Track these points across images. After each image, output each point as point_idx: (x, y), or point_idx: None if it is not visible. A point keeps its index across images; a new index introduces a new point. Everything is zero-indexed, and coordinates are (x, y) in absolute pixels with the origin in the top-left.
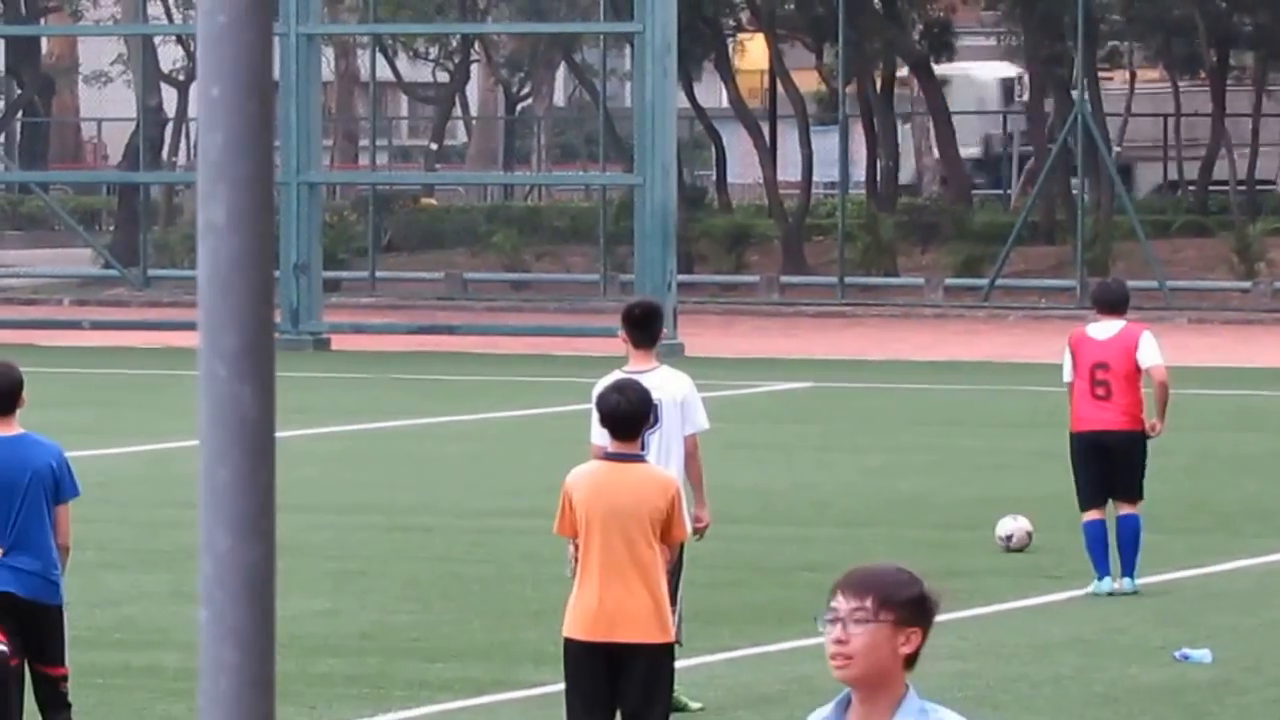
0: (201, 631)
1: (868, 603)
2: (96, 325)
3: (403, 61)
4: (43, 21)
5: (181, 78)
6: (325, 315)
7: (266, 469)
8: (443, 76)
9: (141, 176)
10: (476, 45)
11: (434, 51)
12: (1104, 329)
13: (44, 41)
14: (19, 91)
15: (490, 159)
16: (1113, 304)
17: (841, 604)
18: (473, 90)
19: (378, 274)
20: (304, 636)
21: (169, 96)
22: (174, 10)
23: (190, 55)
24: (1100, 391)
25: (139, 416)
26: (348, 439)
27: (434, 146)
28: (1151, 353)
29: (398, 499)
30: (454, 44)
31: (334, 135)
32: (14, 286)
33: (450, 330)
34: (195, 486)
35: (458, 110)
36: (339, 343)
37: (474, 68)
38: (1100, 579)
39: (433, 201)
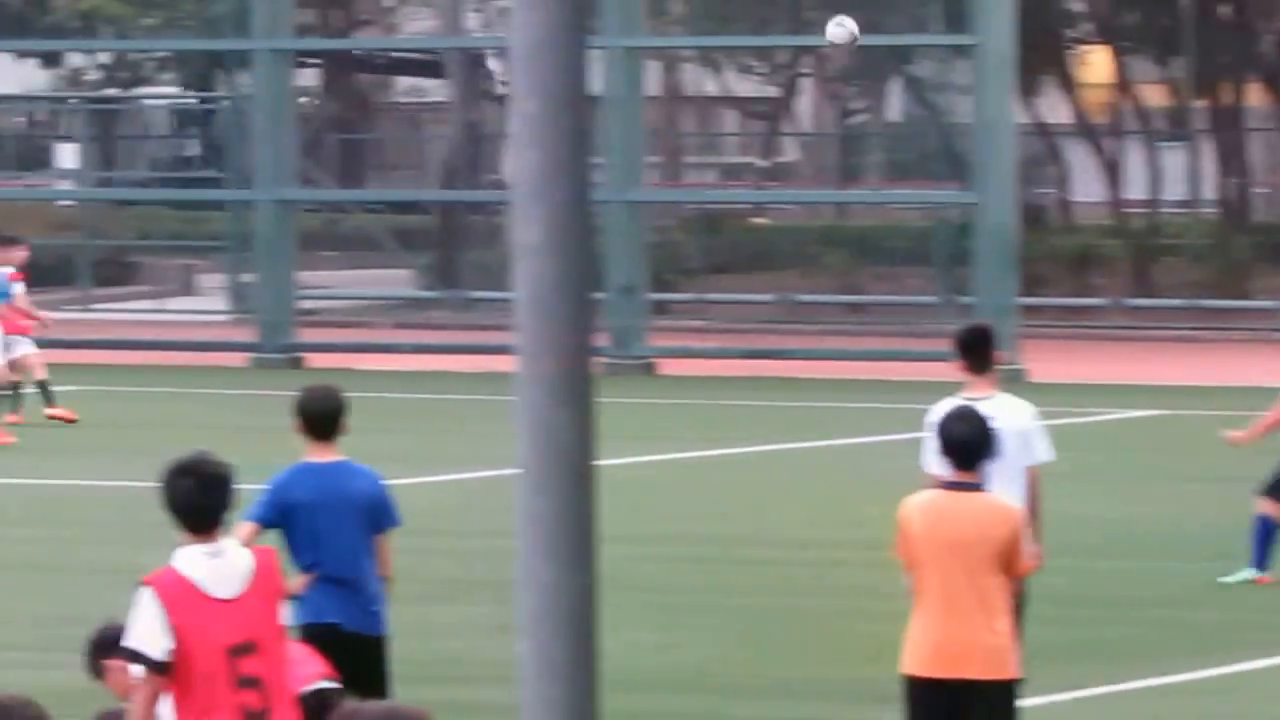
0: (523, 666)
1: None
2: (416, 348)
3: (730, 75)
4: (359, 35)
5: (501, 93)
6: (652, 338)
7: (587, 497)
8: (772, 91)
9: (460, 195)
10: (807, 58)
11: (762, 65)
12: None
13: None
14: (336, 108)
15: (822, 176)
16: None
17: None
18: (803, 105)
19: (706, 296)
20: (636, 672)
21: (489, 112)
22: (493, 23)
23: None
24: None
25: (460, 443)
26: (676, 466)
27: (763, 163)
28: None
29: (728, 529)
30: (783, 57)
31: (659, 152)
32: (332, 309)
33: (782, 355)
34: (514, 516)
35: (788, 126)
36: (666, 367)
37: (804, 82)
38: None
39: (763, 221)
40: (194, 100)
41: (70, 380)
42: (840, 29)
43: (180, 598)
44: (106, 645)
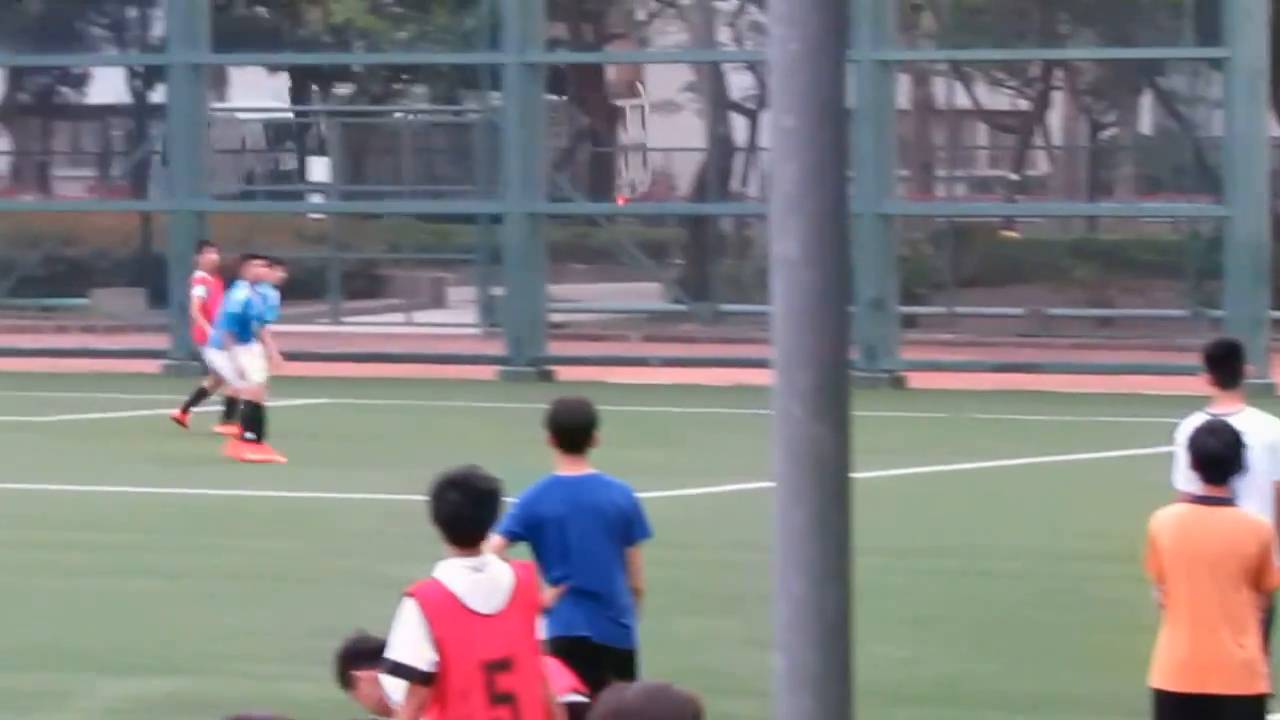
0: (777, 678)
1: None
2: (665, 362)
3: (981, 88)
4: (609, 48)
5: (752, 106)
6: (902, 352)
7: (842, 511)
8: (1022, 104)
9: (711, 208)
10: (1058, 72)
11: (1013, 78)
12: None
13: (611, 69)
14: (585, 120)
15: (1073, 190)
16: None
17: None
18: (1054, 118)
19: (956, 309)
20: (882, 685)
21: (739, 125)
22: (744, 36)
23: (761, 83)
24: None
25: (710, 456)
26: (925, 480)
27: (1014, 177)
28: None
29: (978, 542)
30: (1034, 70)
31: (909, 165)
32: (581, 322)
33: (1032, 368)
34: (769, 528)
35: (1039, 139)
36: (916, 380)
37: (1055, 95)
38: None
39: (1013, 234)
40: (445, 114)
41: (320, 393)
42: None
43: (443, 610)
44: (356, 656)
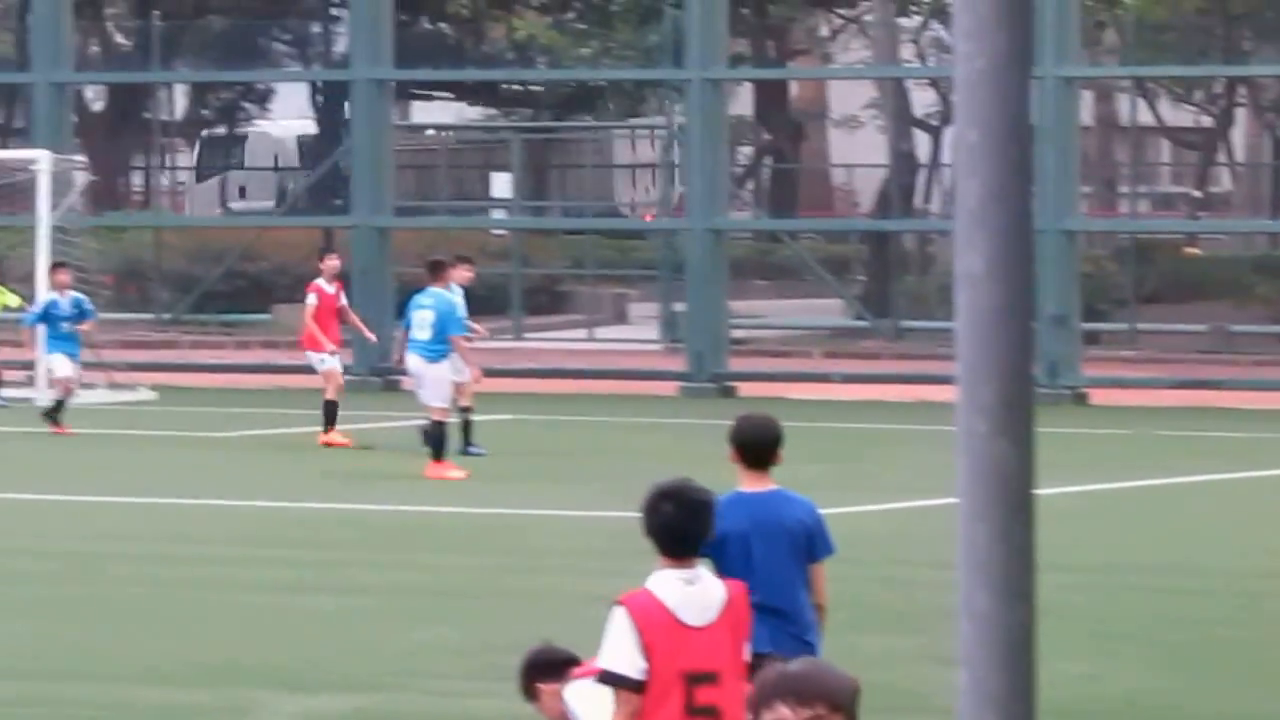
0: (960, 696)
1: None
2: (847, 378)
3: (1164, 105)
4: (791, 64)
5: (934, 123)
6: (1084, 368)
7: (1026, 527)
8: (1206, 120)
9: (893, 224)
10: (1241, 88)
11: (1197, 95)
12: None
13: (793, 85)
14: (767, 137)
15: (1256, 206)
16: None
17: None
18: (1237, 135)
19: (1138, 326)
20: (1064, 702)
21: (921, 142)
22: (927, 53)
23: (944, 99)
24: None
25: (891, 472)
26: (1107, 497)
27: (1196, 193)
28: None
29: (1160, 559)
30: (1217, 87)
31: (1092, 181)
32: (763, 338)
33: (1214, 385)
34: (950, 545)
35: (1221, 156)
36: (1098, 397)
37: (1238, 111)
38: None
39: (1196, 251)
40: (627, 130)
41: (503, 408)
42: None
43: (653, 620)
44: (541, 668)
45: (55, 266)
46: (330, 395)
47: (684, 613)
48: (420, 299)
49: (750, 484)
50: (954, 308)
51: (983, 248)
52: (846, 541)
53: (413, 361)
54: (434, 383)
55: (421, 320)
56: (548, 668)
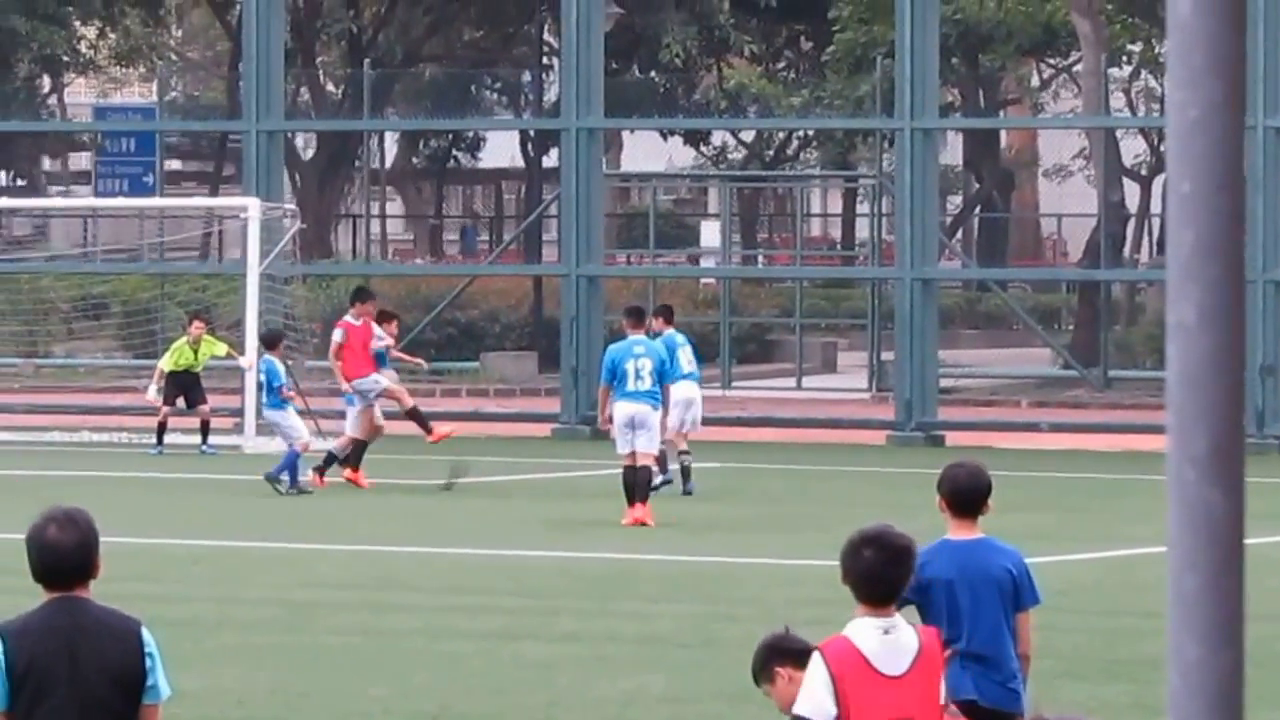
0: None
1: None
2: (1055, 427)
3: None
4: (1002, 114)
5: (1144, 172)
6: None
7: (1236, 576)
8: None
9: (1102, 274)
10: None
11: None
12: None
13: (1003, 135)
14: (977, 186)
15: None
16: None
17: None
18: None
19: None
20: None
21: (1130, 191)
22: (1137, 102)
23: (1153, 149)
24: None
25: (1099, 521)
26: None
27: None
28: None
29: None
30: None
31: None
32: (971, 387)
33: None
34: (1158, 594)
35: None
36: None
37: None
38: None
39: None
40: (838, 179)
41: (711, 457)
42: None
43: (850, 669)
44: (783, 652)
45: (276, 337)
46: (362, 435)
47: (880, 661)
48: (634, 348)
49: (958, 532)
50: (1164, 357)
51: (1195, 298)
52: (1054, 590)
53: (639, 409)
54: (657, 429)
55: (641, 369)
56: (788, 653)
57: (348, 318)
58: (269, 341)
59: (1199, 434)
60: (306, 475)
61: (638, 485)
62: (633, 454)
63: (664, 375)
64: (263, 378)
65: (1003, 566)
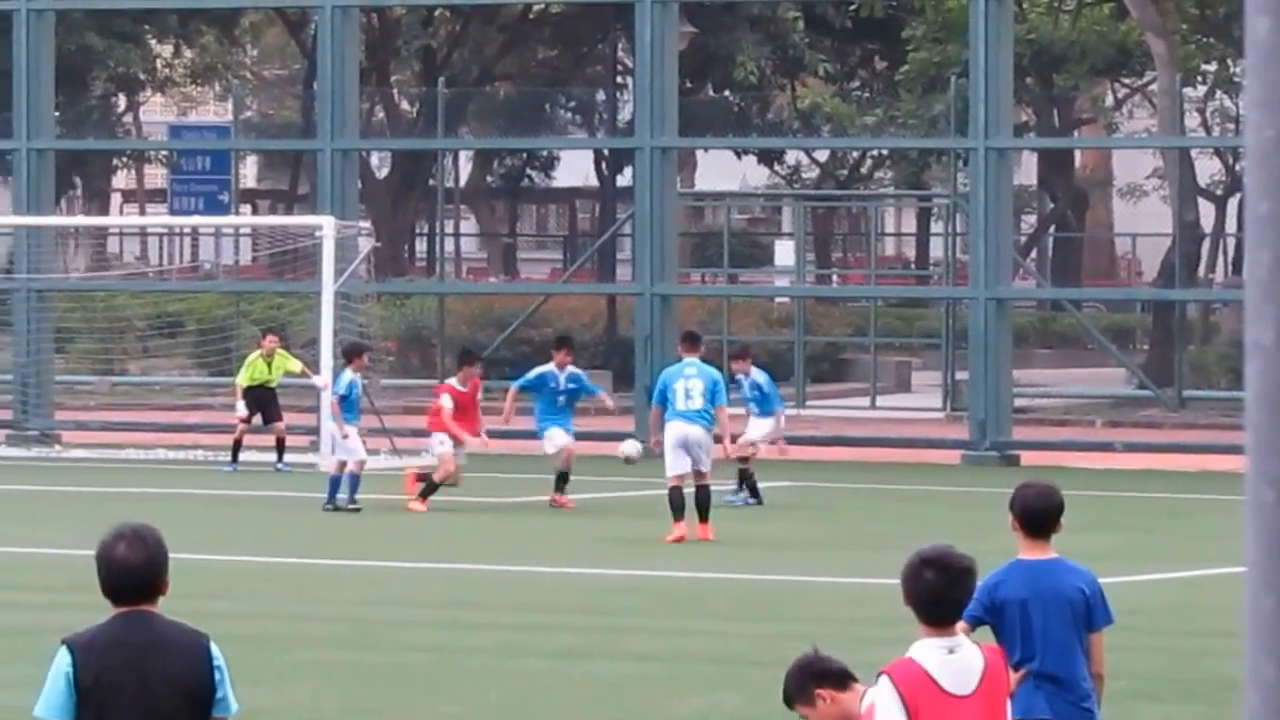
0: None
1: None
2: (1128, 447)
3: None
4: (1076, 134)
5: (1219, 192)
6: None
7: None
8: None
9: (1177, 294)
10: None
11: None
12: None
13: (1077, 154)
14: (1051, 206)
15: None
16: None
17: None
18: None
19: None
20: None
21: (1205, 211)
22: (1212, 122)
23: (1228, 169)
24: None
25: (1173, 542)
26: None
27: None
28: None
29: None
30: None
31: None
32: (1044, 406)
33: None
34: (1235, 615)
35: None
36: None
37: None
38: None
39: None
40: (912, 198)
41: (785, 475)
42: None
43: (919, 690)
44: (823, 674)
45: (358, 350)
46: (439, 477)
47: (947, 681)
48: (685, 369)
49: (1030, 552)
50: (1239, 377)
51: (1273, 318)
52: (1129, 611)
53: (691, 430)
54: (711, 450)
55: (692, 389)
56: (827, 675)
57: (453, 382)
58: (349, 354)
59: (1277, 455)
60: (343, 495)
61: (699, 504)
62: (682, 475)
63: (715, 397)
64: (343, 390)
65: (1075, 586)
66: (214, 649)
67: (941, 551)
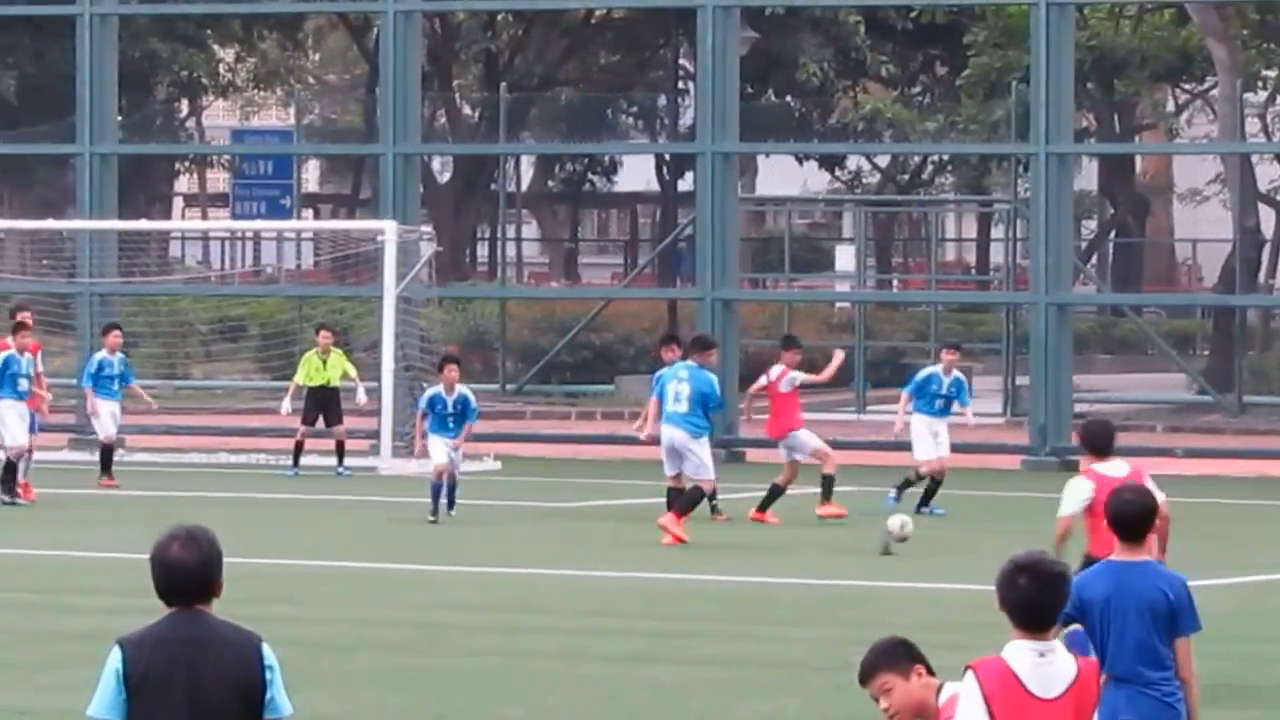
0: None
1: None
2: (1189, 453)
3: None
4: (1137, 139)
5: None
6: None
7: None
8: None
9: (1237, 299)
10: None
11: None
12: None
13: (1138, 160)
14: (1112, 211)
15: None
16: None
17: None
18: None
19: None
20: None
21: (1266, 216)
22: (1272, 128)
23: None
24: None
25: (1234, 547)
26: None
27: None
28: None
29: None
30: None
31: None
32: (1105, 412)
33: None
34: None
35: None
36: None
37: None
38: None
39: None
40: (973, 204)
41: (846, 480)
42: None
43: (1003, 689)
44: (915, 655)
45: (449, 361)
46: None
47: (1033, 683)
48: (679, 372)
49: (1123, 554)
50: None
51: None
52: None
53: (676, 434)
54: (703, 457)
55: (680, 393)
56: (920, 657)
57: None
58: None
59: None
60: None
61: (681, 497)
62: (677, 475)
63: (707, 404)
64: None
65: (1159, 589)
66: (266, 649)
67: (1035, 558)
